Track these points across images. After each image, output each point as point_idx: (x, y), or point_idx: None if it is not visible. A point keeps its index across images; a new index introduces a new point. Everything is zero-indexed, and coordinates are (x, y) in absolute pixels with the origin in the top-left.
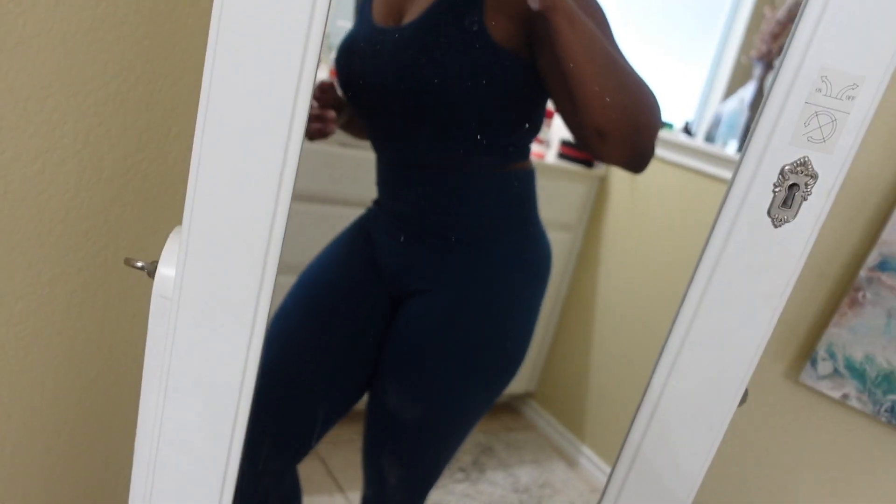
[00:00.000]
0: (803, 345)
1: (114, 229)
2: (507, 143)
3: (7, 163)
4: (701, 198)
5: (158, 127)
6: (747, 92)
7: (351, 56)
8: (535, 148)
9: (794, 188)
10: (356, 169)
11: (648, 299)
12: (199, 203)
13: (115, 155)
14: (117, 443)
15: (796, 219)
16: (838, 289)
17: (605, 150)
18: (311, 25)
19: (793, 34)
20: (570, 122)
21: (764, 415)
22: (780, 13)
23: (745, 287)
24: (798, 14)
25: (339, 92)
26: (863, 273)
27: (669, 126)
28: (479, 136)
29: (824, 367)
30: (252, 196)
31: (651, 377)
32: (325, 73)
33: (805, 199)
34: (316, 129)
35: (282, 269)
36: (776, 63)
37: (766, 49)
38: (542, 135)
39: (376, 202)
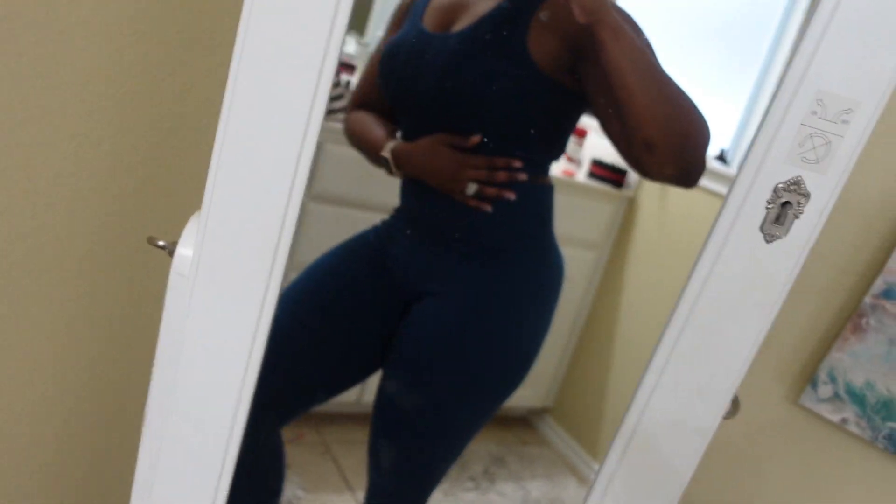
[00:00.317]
0: (805, 367)
1: (142, 210)
2: (529, 158)
3: (46, 140)
4: None
5: (191, 117)
6: None
7: (396, 56)
8: (565, 166)
9: (787, 206)
10: (383, 174)
11: None
12: (219, 190)
13: (149, 141)
14: (135, 410)
15: (788, 236)
16: (842, 314)
17: (654, 163)
18: (332, 29)
19: (792, 57)
20: (617, 140)
21: (763, 434)
22: None
23: (735, 298)
24: (798, 38)
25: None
26: (867, 299)
27: None
28: (504, 148)
29: (825, 390)
30: (267, 187)
31: (640, 382)
32: (354, 79)
33: (797, 217)
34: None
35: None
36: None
37: None
38: (573, 154)
39: (396, 210)
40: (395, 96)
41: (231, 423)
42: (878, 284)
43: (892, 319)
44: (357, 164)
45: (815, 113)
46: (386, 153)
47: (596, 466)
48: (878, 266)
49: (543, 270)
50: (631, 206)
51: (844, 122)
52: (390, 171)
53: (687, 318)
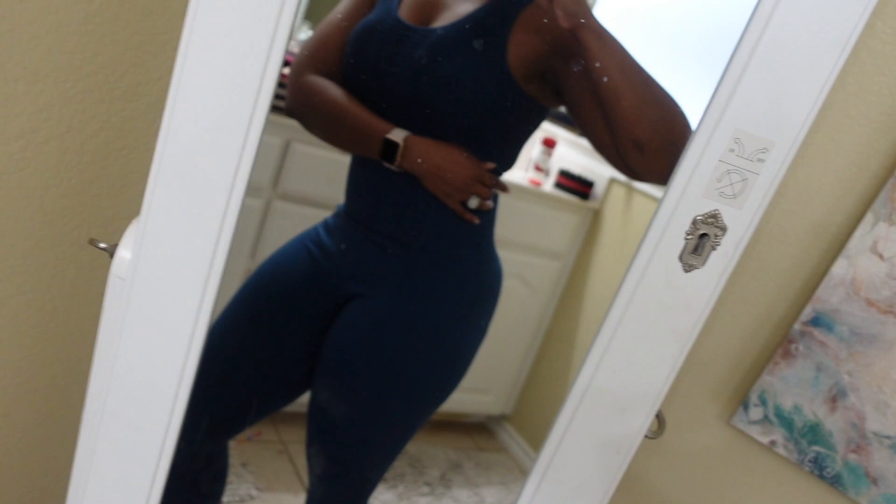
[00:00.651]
0: (738, 389)
1: (88, 211)
2: (497, 166)
3: None
4: None
5: (142, 118)
6: None
7: (368, 40)
8: (533, 175)
9: (705, 238)
10: (338, 172)
11: None
12: (158, 193)
13: (97, 141)
14: (76, 411)
15: (705, 266)
16: (774, 339)
17: (643, 163)
18: (276, 27)
19: (712, 96)
20: (602, 143)
21: (697, 452)
22: None
23: (655, 322)
24: (719, 78)
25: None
26: (797, 326)
27: None
28: (475, 153)
29: (755, 412)
30: (207, 191)
31: (566, 397)
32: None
33: (714, 248)
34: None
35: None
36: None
37: None
38: (541, 163)
39: (339, 208)
40: (361, 81)
41: (166, 427)
42: (808, 312)
43: (819, 346)
44: (324, 163)
45: (732, 151)
46: (397, 139)
47: None
48: (808, 294)
49: (481, 277)
50: (596, 218)
51: (760, 160)
52: (381, 157)
53: (611, 338)
